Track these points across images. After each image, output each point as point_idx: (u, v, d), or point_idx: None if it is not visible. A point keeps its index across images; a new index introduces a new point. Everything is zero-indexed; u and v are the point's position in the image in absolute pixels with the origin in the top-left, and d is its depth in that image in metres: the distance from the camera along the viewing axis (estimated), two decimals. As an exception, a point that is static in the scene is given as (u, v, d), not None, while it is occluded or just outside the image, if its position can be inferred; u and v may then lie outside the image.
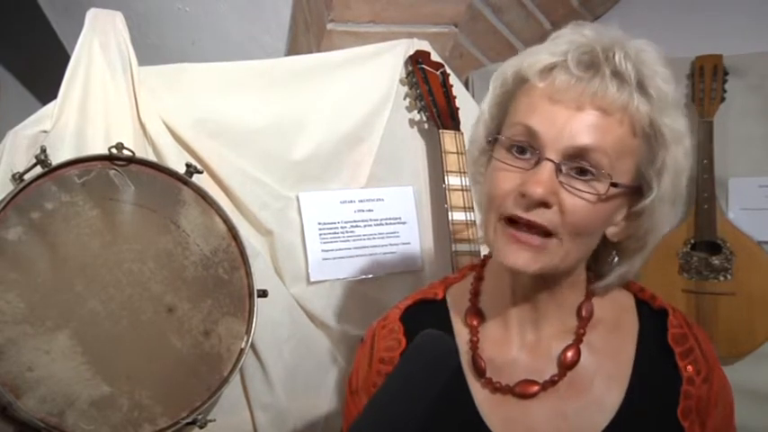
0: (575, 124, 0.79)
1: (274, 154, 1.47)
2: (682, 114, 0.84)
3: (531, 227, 0.81)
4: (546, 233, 0.81)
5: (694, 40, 1.98)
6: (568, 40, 0.83)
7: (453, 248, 1.44)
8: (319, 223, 1.50)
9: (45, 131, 1.24)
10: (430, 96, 1.56)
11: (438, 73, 1.59)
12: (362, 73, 1.57)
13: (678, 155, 0.83)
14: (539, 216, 0.80)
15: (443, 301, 0.99)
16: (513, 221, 0.82)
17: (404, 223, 1.59)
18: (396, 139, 1.60)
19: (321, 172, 1.53)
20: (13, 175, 1.17)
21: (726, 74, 1.92)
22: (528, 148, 0.81)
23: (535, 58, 0.83)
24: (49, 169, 1.16)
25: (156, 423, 1.19)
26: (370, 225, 1.55)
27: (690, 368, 0.88)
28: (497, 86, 0.89)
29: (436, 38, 1.70)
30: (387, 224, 1.57)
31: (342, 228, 1.52)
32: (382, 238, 1.56)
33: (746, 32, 1.96)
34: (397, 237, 1.58)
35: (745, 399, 1.84)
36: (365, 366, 0.98)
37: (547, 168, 0.79)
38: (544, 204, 0.79)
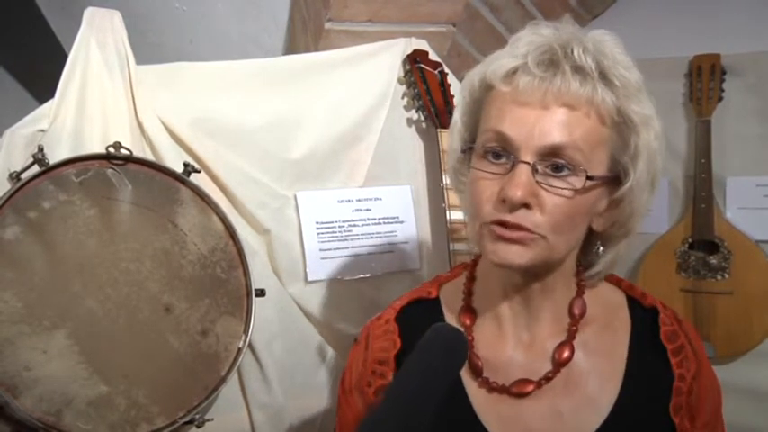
0: (543, 124, 0.80)
1: (272, 153, 1.47)
2: (648, 98, 0.85)
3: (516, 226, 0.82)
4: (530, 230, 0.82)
5: (692, 39, 1.99)
6: (527, 41, 0.85)
7: (451, 248, 1.44)
8: (317, 222, 1.50)
9: (42, 130, 1.24)
10: (428, 95, 1.56)
11: (436, 72, 1.59)
12: (360, 72, 1.57)
13: (650, 138, 0.85)
14: (521, 218, 0.81)
15: (437, 299, 1.00)
16: (498, 223, 0.83)
17: (401, 222, 1.59)
18: (394, 138, 1.60)
19: (319, 171, 1.53)
20: (10, 174, 1.17)
21: (723, 73, 1.93)
22: (502, 152, 0.83)
23: (497, 63, 0.85)
24: (46, 168, 1.15)
25: (153, 422, 1.19)
26: (368, 224, 1.55)
27: (681, 365, 0.90)
28: (466, 95, 0.91)
29: (434, 37, 1.70)
30: (384, 223, 1.57)
31: (339, 227, 1.52)
32: (380, 237, 1.56)
33: (744, 32, 1.96)
34: (395, 236, 1.58)
35: (743, 397, 1.85)
36: (359, 366, 0.99)
37: (523, 171, 0.80)
38: (525, 206, 0.81)
